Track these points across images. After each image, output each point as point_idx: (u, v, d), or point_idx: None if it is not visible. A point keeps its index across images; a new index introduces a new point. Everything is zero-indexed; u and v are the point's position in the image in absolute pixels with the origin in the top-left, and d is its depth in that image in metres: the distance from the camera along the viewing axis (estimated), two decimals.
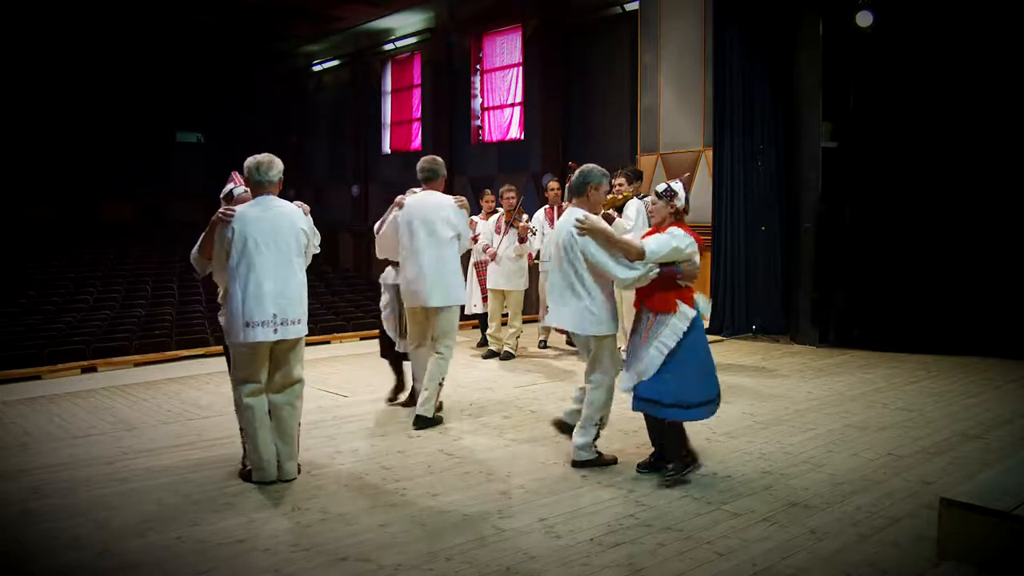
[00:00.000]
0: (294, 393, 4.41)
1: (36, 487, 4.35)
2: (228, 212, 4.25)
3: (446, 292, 5.43)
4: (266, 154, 4.37)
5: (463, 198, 5.56)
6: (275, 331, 4.20)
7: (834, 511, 3.87)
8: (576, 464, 4.54)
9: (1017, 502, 3.12)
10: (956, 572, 3.14)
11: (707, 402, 4.28)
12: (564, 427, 4.76)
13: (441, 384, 5.46)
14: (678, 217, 4.40)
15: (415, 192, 5.55)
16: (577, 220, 4.39)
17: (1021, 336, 7.44)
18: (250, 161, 4.33)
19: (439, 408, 5.55)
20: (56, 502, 4.12)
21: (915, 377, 6.90)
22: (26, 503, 4.11)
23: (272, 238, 4.23)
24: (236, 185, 4.59)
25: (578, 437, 4.55)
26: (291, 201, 4.47)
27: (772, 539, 3.55)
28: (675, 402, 4.18)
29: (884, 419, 5.54)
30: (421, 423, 5.38)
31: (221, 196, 4.61)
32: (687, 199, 4.43)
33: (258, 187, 4.32)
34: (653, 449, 4.51)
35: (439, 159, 5.65)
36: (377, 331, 6.23)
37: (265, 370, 4.34)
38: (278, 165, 4.35)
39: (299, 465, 4.49)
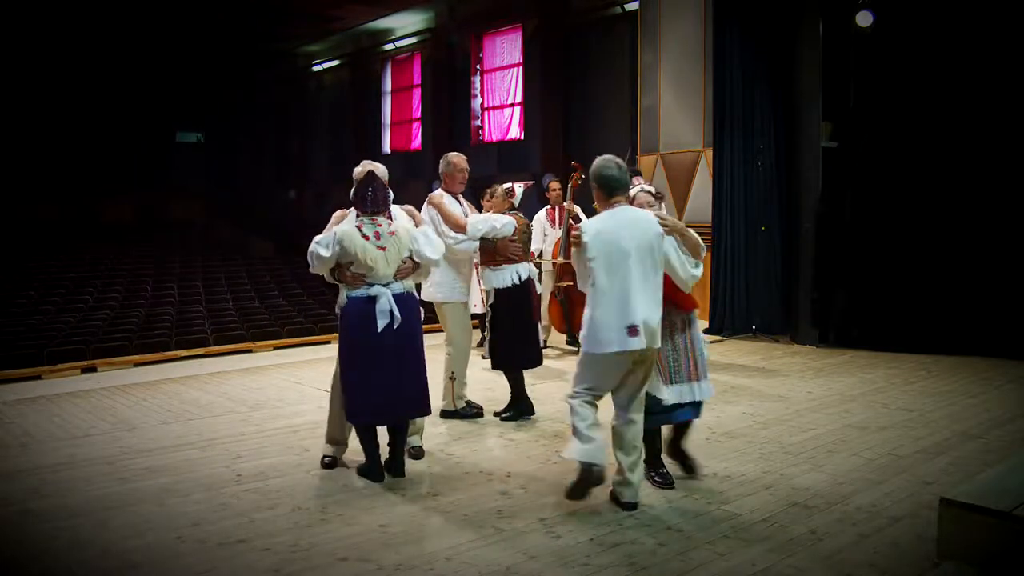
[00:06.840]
0: None
1: (36, 487, 4.36)
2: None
3: (427, 287, 5.60)
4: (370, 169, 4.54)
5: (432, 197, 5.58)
6: None
7: (834, 511, 3.87)
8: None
9: (1017, 502, 3.12)
10: (956, 572, 3.14)
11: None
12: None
13: (452, 378, 5.64)
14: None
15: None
16: (660, 217, 3.96)
17: (1021, 336, 7.44)
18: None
19: (469, 405, 5.74)
20: (56, 502, 4.12)
21: (915, 377, 6.90)
22: (26, 503, 4.11)
23: None
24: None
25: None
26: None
27: (772, 539, 3.55)
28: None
29: (884, 419, 5.54)
30: (442, 414, 5.61)
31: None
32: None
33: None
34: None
35: (451, 159, 5.66)
36: None
37: None
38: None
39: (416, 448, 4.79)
